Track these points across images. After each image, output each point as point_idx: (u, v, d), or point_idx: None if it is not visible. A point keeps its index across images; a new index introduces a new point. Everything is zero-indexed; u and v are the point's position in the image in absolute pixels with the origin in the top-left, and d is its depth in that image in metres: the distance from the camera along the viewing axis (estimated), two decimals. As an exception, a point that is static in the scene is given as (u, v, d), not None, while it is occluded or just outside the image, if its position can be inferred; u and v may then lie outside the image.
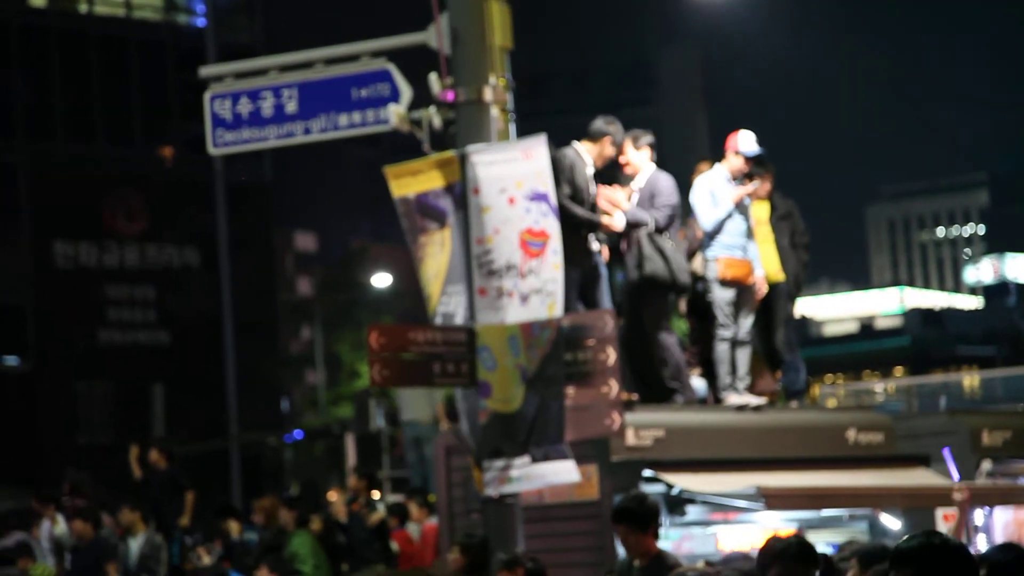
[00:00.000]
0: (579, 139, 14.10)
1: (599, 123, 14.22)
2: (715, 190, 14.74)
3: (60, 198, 53.79)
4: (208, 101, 13.04)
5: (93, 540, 18.99)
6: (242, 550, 20.11)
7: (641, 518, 10.21)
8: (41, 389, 53.26)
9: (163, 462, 21.03)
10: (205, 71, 13.48)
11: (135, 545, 19.11)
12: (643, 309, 14.34)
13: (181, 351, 55.04)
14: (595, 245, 13.98)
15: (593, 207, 13.97)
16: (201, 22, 58.81)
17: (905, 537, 6.37)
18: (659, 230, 14.25)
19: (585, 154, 13.98)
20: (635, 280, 14.31)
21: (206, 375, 54.63)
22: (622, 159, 14.56)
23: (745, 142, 14.97)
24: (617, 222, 14.20)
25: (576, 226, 13.43)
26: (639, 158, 14.53)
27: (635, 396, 13.80)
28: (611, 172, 14.71)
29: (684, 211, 14.99)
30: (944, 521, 14.08)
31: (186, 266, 56.86)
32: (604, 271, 14.08)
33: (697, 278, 14.97)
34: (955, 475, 13.60)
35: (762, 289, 14.95)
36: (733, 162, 14.93)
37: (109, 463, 26.78)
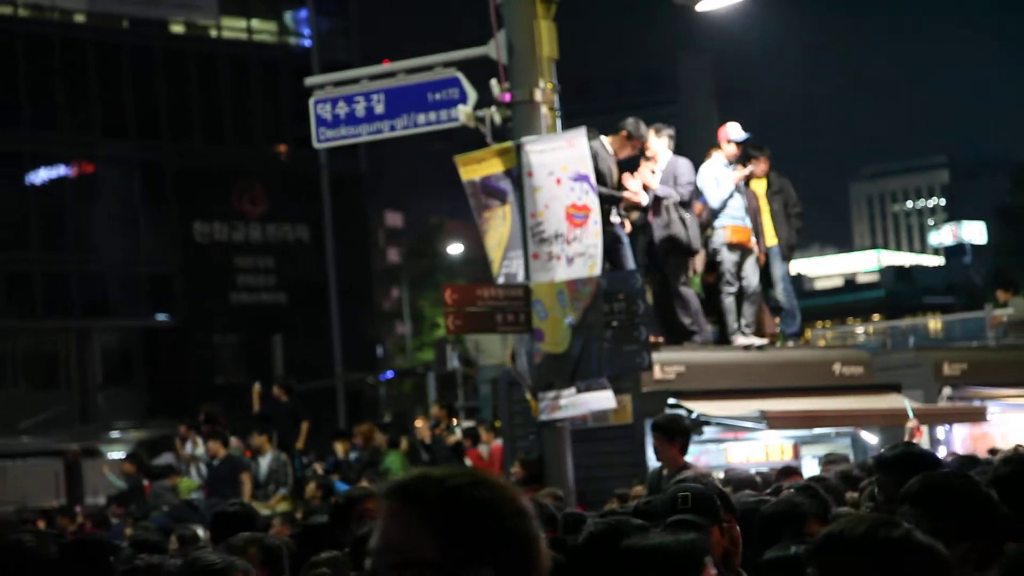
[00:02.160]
0: (607, 134, 13.94)
1: (626, 122, 14.05)
2: (717, 175, 14.63)
3: (198, 187, 54.07)
4: (313, 106, 13.05)
5: (226, 456, 19.06)
6: (347, 466, 20.20)
7: (671, 432, 10.25)
8: (186, 340, 53.62)
9: (284, 396, 21.11)
10: (310, 81, 13.48)
11: (264, 462, 19.17)
12: (665, 267, 14.26)
13: (295, 308, 55.28)
14: (615, 218, 13.84)
15: (619, 186, 13.84)
16: (307, 43, 58.94)
17: (889, 447, 6.36)
18: (684, 204, 14.15)
19: (608, 146, 13.82)
20: (659, 240, 14.21)
21: (316, 327, 54.89)
22: (647, 145, 14.45)
23: (734, 131, 14.85)
24: (642, 199, 14.07)
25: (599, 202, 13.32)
26: (659, 145, 14.37)
27: (661, 339, 13.75)
28: (635, 158, 14.58)
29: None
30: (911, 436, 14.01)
31: (298, 240, 57.06)
32: (626, 238, 13.95)
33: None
34: (910, 413, 13.50)
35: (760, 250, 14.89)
36: (727, 149, 14.80)
37: (240, 398, 26.90)
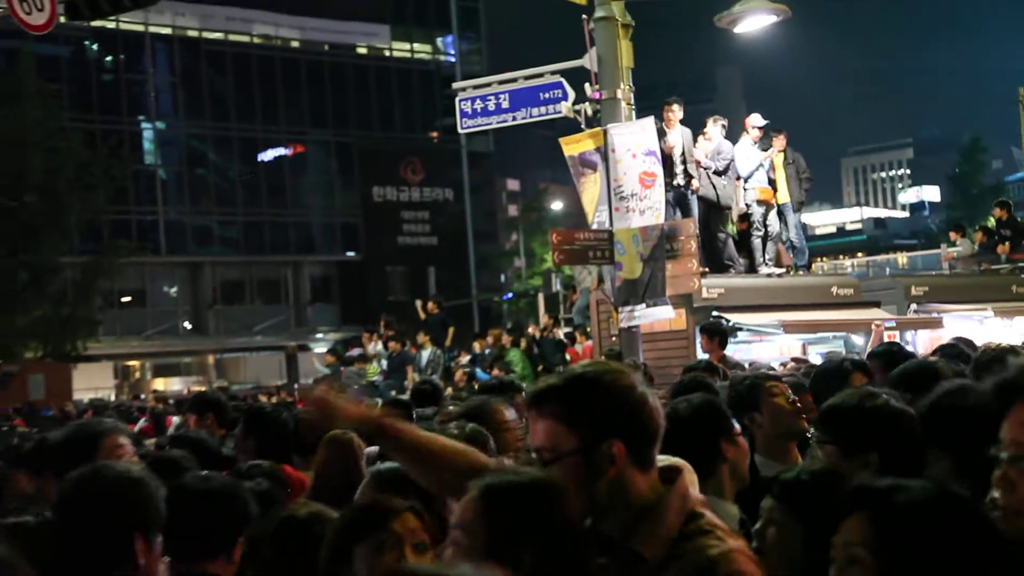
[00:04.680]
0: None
1: (664, 109, 13.45)
2: (746, 153, 14.36)
3: (376, 162, 54.40)
4: (457, 103, 12.99)
5: (400, 352, 19.25)
6: (482, 359, 20.29)
7: (712, 333, 10.17)
8: (367, 271, 54.18)
9: (436, 309, 21.19)
10: (456, 85, 13.43)
11: (424, 355, 19.31)
12: (708, 217, 14.04)
13: (444, 248, 55.59)
14: (680, 179, 13.58)
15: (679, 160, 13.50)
16: (452, 59, 58.85)
17: (877, 345, 6.22)
18: (719, 173, 13.88)
19: (663, 126, 13.27)
20: (702, 199, 13.98)
21: (458, 261, 55.21)
22: (705, 130, 14.12)
23: (755, 119, 14.56)
24: (701, 160, 13.67)
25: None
26: (714, 131, 14.10)
27: (707, 269, 13.58)
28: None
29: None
30: (887, 338, 13.73)
31: (446, 200, 57.23)
32: (691, 195, 13.71)
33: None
34: (883, 317, 13.13)
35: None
36: (752, 133, 14.52)
37: (404, 311, 27.11)
